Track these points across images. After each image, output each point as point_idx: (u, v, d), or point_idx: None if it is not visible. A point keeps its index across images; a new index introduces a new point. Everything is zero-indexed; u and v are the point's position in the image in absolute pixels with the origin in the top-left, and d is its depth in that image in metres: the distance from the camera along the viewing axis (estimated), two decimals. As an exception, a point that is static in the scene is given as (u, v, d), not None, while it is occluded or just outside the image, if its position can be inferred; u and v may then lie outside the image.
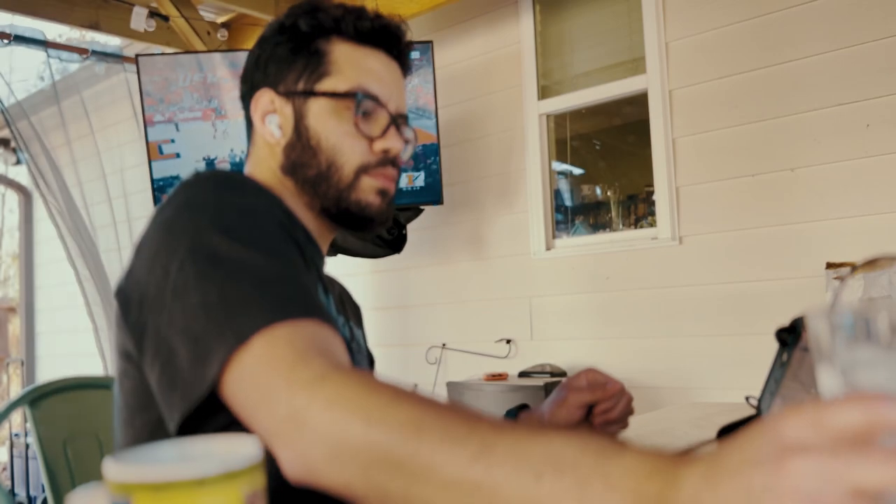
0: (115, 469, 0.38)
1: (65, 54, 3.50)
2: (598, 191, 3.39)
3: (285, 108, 0.89)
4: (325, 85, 0.88)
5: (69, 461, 1.44)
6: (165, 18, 3.38)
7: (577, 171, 3.43)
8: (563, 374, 2.82)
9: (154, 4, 3.36)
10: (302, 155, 0.88)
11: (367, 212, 0.89)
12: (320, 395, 0.57)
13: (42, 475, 1.42)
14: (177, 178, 2.98)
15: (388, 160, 0.89)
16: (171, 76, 2.99)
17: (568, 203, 3.31)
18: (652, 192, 2.80)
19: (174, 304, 0.67)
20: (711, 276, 2.61)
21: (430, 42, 3.03)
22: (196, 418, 0.65)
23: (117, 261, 3.59)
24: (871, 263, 1.57)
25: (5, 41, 3.30)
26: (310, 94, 0.88)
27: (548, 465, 0.45)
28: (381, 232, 0.97)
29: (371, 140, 0.88)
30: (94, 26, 3.31)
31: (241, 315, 0.63)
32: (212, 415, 0.66)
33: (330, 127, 0.88)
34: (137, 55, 3.10)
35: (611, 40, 3.04)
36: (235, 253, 0.67)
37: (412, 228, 3.19)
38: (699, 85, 2.66)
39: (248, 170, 0.93)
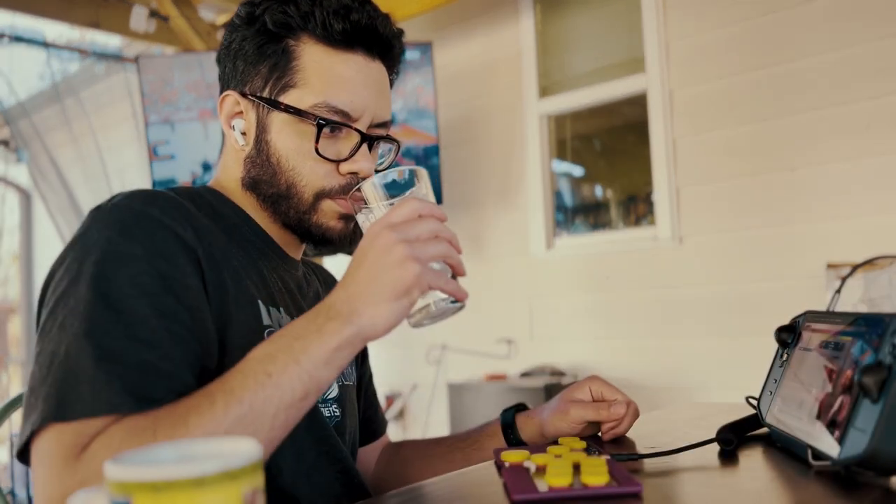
0: (115, 469, 0.38)
1: (65, 54, 3.50)
2: (598, 191, 3.39)
3: (250, 114, 0.83)
4: (290, 97, 0.80)
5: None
6: (165, 18, 3.38)
7: (577, 171, 3.44)
8: (562, 374, 2.82)
9: (154, 4, 3.36)
10: (262, 171, 0.82)
11: (327, 235, 0.84)
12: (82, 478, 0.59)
13: (42, 475, 1.42)
14: (173, 180, 2.98)
15: (356, 183, 0.79)
16: (168, 76, 2.99)
17: (568, 203, 3.32)
18: (652, 192, 2.80)
19: (37, 342, 0.69)
20: (711, 276, 2.62)
21: (430, 42, 3.03)
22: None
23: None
24: (871, 263, 1.58)
25: (5, 41, 3.30)
26: (273, 104, 0.80)
27: (268, 364, 0.62)
28: (344, 251, 0.93)
29: (337, 163, 0.81)
30: (94, 26, 3.32)
31: (50, 400, 0.63)
32: None
33: (291, 146, 0.81)
34: (138, 56, 3.10)
35: (611, 40, 3.04)
36: (85, 322, 0.65)
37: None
38: (699, 85, 2.66)
39: (217, 175, 0.89)
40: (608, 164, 3.55)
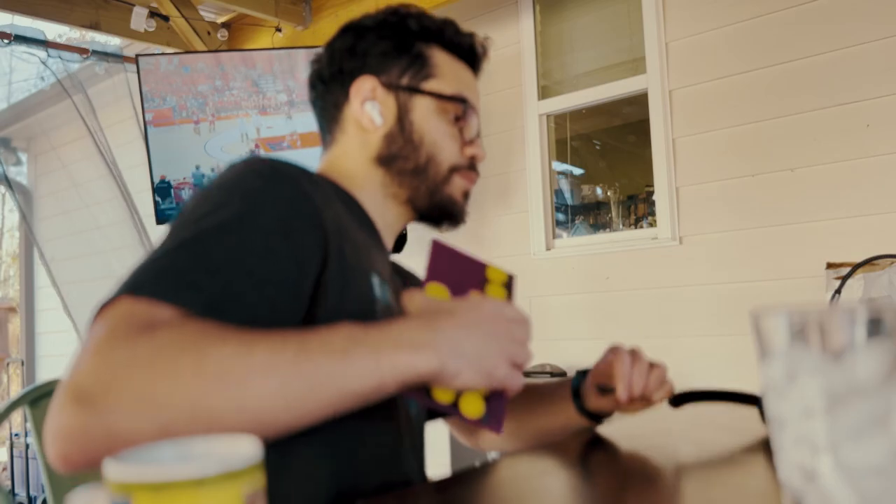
0: (115, 469, 0.38)
1: (65, 54, 3.50)
2: (599, 191, 3.39)
3: (387, 99, 0.92)
4: (431, 85, 0.93)
5: (69, 461, 1.44)
6: (165, 18, 3.38)
7: (577, 171, 3.43)
8: (562, 373, 2.82)
9: (154, 4, 3.36)
10: (403, 147, 0.92)
11: (454, 208, 0.96)
12: (141, 360, 0.56)
13: (42, 475, 1.42)
14: (168, 183, 2.98)
15: (474, 165, 0.96)
16: (168, 76, 2.99)
17: (568, 203, 3.32)
18: (652, 192, 2.80)
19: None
20: (711, 276, 2.62)
21: (430, 42, 3.03)
22: None
23: (118, 260, 3.59)
24: (871, 263, 1.58)
25: (5, 41, 3.30)
26: (415, 90, 0.92)
27: (351, 344, 0.61)
28: (455, 228, 0.99)
29: (463, 144, 0.94)
30: (94, 26, 3.31)
31: (132, 279, 0.63)
32: None
33: (433, 125, 0.92)
34: (137, 55, 3.10)
35: (611, 40, 3.04)
36: (197, 233, 0.67)
37: (412, 228, 3.18)
38: (699, 85, 2.66)
39: (329, 161, 0.95)
40: (608, 164, 3.55)
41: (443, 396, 0.68)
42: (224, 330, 0.60)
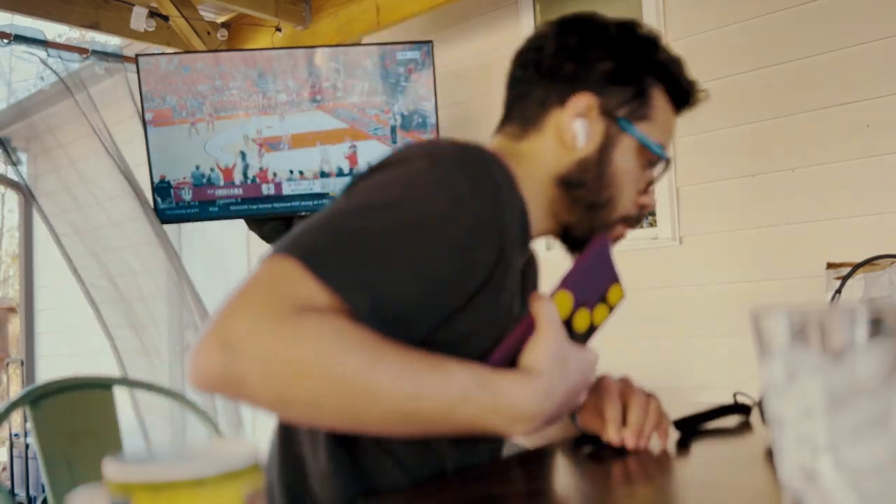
0: (115, 469, 0.38)
1: (65, 54, 3.49)
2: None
3: (598, 124, 0.87)
4: (643, 128, 0.88)
5: (69, 461, 1.44)
6: (165, 18, 3.38)
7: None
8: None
9: (154, 4, 3.36)
10: (592, 180, 0.87)
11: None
12: (291, 331, 0.59)
13: (42, 475, 1.42)
14: (168, 183, 2.97)
15: (640, 217, 0.92)
16: (167, 76, 2.99)
17: (568, 203, 3.31)
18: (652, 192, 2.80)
19: (342, 199, 0.71)
20: (711, 276, 2.62)
21: (431, 42, 3.03)
22: None
23: (115, 260, 3.58)
24: (871, 263, 1.58)
25: (5, 41, 3.30)
26: (628, 127, 0.87)
27: (471, 387, 0.64)
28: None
29: (639, 192, 0.90)
30: (94, 26, 3.31)
31: (316, 245, 0.64)
32: None
33: (627, 168, 0.88)
34: (137, 55, 3.10)
35: (611, 40, 3.03)
36: (394, 221, 0.67)
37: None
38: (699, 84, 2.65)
39: (517, 152, 0.88)
40: (608, 164, 3.55)
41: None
42: (372, 334, 0.62)
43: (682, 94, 0.93)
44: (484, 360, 0.68)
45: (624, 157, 0.87)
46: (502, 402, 0.65)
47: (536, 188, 0.87)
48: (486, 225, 0.71)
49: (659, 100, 0.90)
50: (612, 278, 0.81)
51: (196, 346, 0.60)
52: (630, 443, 0.82)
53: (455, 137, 0.79)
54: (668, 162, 0.90)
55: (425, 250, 0.67)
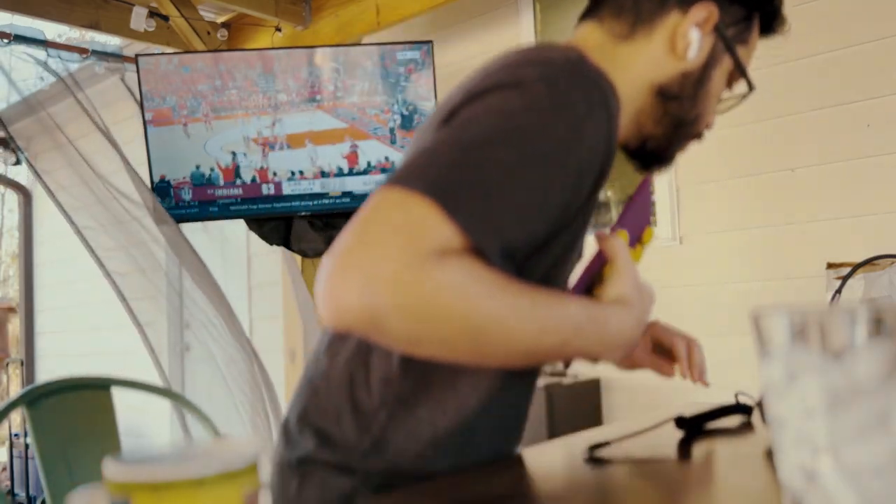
0: (115, 469, 0.38)
1: (65, 54, 3.49)
2: (598, 191, 3.39)
3: (709, 39, 0.85)
4: (741, 52, 0.87)
5: (68, 461, 1.44)
6: (165, 18, 3.38)
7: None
8: (562, 373, 2.82)
9: (154, 4, 3.36)
10: (689, 94, 0.86)
11: (671, 160, 0.94)
12: (432, 273, 0.60)
13: (40, 475, 1.42)
14: (168, 182, 2.97)
15: (702, 135, 0.93)
16: (167, 76, 2.99)
17: (568, 203, 3.31)
18: (652, 192, 2.80)
19: (462, 123, 0.69)
20: (711, 276, 2.61)
21: (430, 42, 3.03)
22: None
23: (115, 259, 3.56)
24: (871, 263, 1.58)
25: (5, 41, 3.29)
26: (731, 49, 0.86)
27: (583, 321, 0.68)
28: (652, 173, 0.95)
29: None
30: (94, 26, 3.31)
31: (447, 183, 0.63)
32: None
33: (718, 89, 0.89)
34: (137, 55, 3.10)
35: (611, 40, 3.03)
36: (528, 157, 0.66)
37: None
38: (699, 85, 2.66)
39: (619, 53, 0.84)
40: (608, 164, 3.55)
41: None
42: (501, 277, 0.64)
43: (772, 21, 0.90)
44: (565, 286, 0.74)
45: (719, 76, 0.87)
46: (606, 331, 0.70)
47: (632, 96, 0.84)
48: (597, 152, 0.71)
49: (755, 27, 0.89)
50: (648, 219, 0.86)
51: (332, 277, 0.60)
52: (700, 378, 0.95)
53: (552, 44, 0.77)
54: (752, 88, 0.90)
55: (549, 184, 0.67)
